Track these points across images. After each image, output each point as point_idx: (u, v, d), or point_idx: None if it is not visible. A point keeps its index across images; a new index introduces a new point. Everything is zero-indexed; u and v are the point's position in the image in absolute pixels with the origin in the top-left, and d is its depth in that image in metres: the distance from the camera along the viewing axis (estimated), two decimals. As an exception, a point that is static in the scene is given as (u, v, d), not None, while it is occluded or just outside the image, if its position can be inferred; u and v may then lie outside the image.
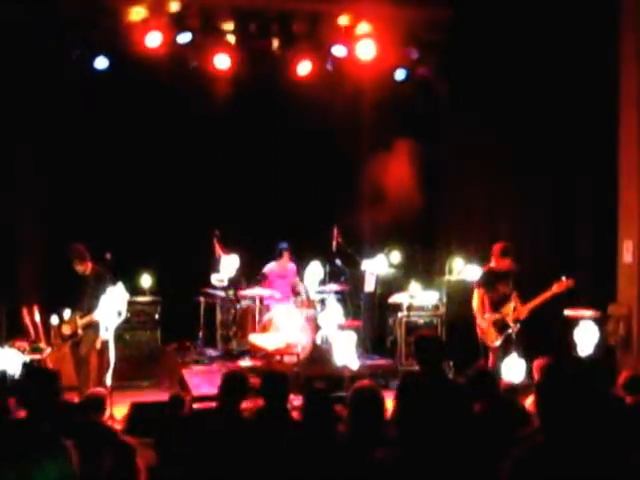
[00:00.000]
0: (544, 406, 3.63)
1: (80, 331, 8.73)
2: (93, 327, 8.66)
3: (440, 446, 4.75)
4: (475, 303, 9.10)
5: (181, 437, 5.40)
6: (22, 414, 4.97)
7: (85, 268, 8.81)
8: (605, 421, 4.49)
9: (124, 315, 8.50)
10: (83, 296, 8.77)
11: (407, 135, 11.48)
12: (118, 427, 7.53)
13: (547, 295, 8.81)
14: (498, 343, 8.91)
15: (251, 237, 11.03)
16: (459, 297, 10.32)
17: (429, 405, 5.51)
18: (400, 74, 10.92)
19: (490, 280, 9.07)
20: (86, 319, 8.67)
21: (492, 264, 9.06)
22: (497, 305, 9.00)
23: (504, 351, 8.75)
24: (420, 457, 4.62)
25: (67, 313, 8.73)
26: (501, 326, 8.92)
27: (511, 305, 8.86)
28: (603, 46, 9.97)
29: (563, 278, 8.74)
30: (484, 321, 8.99)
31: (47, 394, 4.67)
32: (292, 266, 11.03)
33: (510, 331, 8.85)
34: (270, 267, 10.98)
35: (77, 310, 8.74)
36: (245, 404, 5.78)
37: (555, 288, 8.77)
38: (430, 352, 6.20)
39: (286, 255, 10.89)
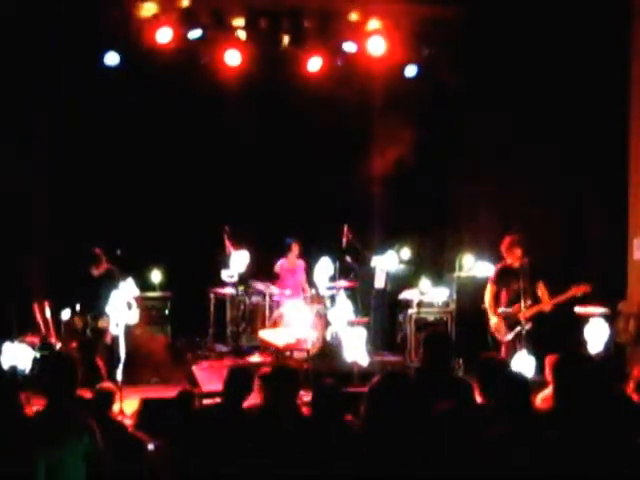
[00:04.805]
0: (560, 401, 3.63)
1: (89, 332, 8.76)
2: (102, 330, 8.73)
3: (445, 442, 4.74)
4: (487, 298, 9.12)
5: (189, 433, 5.40)
6: (33, 408, 5.00)
7: (100, 271, 8.89)
8: (614, 418, 4.49)
9: (134, 311, 8.51)
10: (95, 296, 8.80)
11: (418, 131, 11.48)
12: (128, 422, 7.57)
13: (563, 297, 8.85)
14: (509, 337, 8.92)
15: (261, 233, 11.04)
16: (469, 293, 10.33)
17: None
18: (411, 70, 10.90)
19: (504, 278, 9.07)
20: (96, 323, 8.73)
21: (506, 260, 9.06)
22: (511, 302, 9.00)
23: (515, 347, 8.75)
24: (426, 454, 4.62)
25: (78, 309, 8.76)
26: (512, 322, 8.93)
27: (523, 303, 8.85)
28: (615, 39, 9.97)
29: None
30: (495, 317, 9.00)
31: (68, 376, 4.71)
32: (301, 262, 11.04)
33: (519, 328, 8.85)
34: (280, 264, 11.01)
35: (88, 309, 8.78)
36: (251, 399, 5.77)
37: (572, 291, 8.81)
38: (438, 350, 6.14)
39: (295, 249, 10.91)
